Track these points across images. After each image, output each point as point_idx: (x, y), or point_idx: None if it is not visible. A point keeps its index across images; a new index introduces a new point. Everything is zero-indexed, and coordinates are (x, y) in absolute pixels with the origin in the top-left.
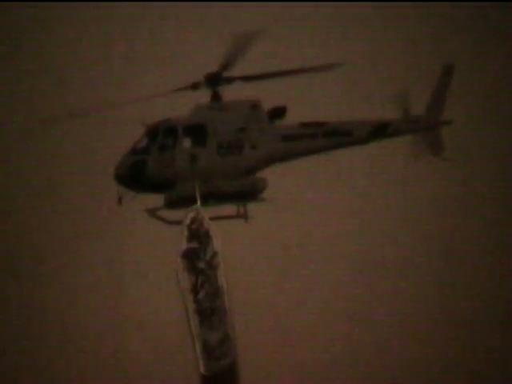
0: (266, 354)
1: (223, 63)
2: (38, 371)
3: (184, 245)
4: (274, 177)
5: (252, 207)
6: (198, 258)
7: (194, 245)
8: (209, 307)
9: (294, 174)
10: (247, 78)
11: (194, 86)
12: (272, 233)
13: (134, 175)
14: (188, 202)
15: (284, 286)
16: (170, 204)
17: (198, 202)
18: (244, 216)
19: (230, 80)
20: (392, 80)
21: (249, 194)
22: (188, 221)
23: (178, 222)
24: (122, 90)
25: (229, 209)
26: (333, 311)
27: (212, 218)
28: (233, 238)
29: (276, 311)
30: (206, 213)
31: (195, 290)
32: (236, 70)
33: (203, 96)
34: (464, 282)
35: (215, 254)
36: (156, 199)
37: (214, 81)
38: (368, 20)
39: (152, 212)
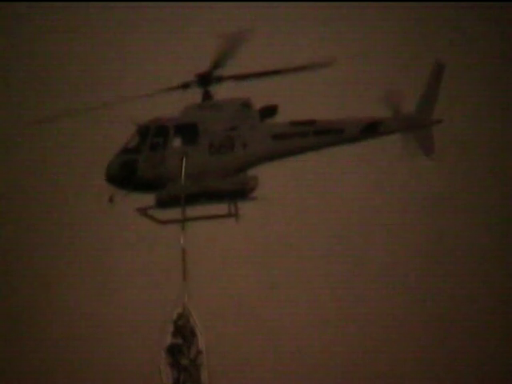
0: None
1: (214, 62)
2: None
3: (168, 340)
4: (265, 175)
5: (243, 206)
6: (182, 354)
7: (179, 340)
8: None
9: (284, 172)
10: (238, 77)
11: (185, 86)
12: (263, 231)
13: (125, 174)
14: (179, 201)
15: (275, 285)
16: (161, 203)
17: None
18: (235, 215)
19: (220, 79)
20: (383, 78)
21: (240, 192)
22: (174, 316)
23: (170, 222)
24: (114, 89)
25: (220, 208)
26: (325, 312)
27: (203, 218)
28: (223, 236)
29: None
30: (197, 211)
31: None
32: (227, 69)
33: (194, 95)
34: (455, 282)
35: (199, 352)
36: (148, 198)
37: (205, 80)
38: (359, 19)
39: (143, 211)
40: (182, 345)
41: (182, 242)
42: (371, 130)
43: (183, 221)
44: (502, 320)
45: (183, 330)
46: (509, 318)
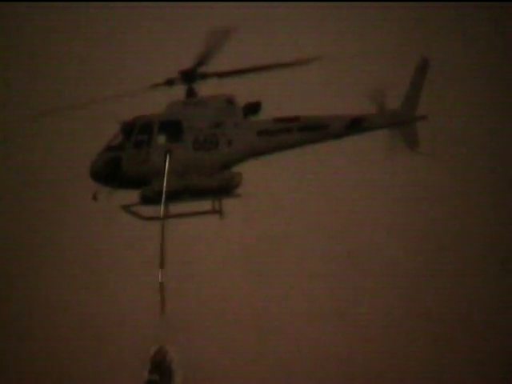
0: None
1: (198, 59)
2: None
3: (145, 376)
4: (250, 172)
5: (227, 202)
6: None
7: (155, 377)
8: None
9: (269, 169)
10: (222, 74)
11: (169, 83)
12: (247, 228)
13: (110, 172)
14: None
15: (259, 284)
16: (146, 200)
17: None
18: (219, 211)
19: (204, 76)
20: (368, 75)
21: (224, 189)
22: (152, 353)
23: (153, 218)
24: (98, 87)
25: (204, 204)
26: (311, 310)
27: (186, 214)
28: (207, 233)
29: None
30: (181, 208)
31: None
32: (211, 67)
33: (179, 92)
34: (455, 281)
35: None
36: (133, 195)
37: (189, 77)
38: (344, 15)
39: (127, 208)
40: (158, 382)
41: (160, 278)
42: (355, 126)
43: (163, 219)
44: (502, 320)
45: (160, 367)
46: (509, 318)
